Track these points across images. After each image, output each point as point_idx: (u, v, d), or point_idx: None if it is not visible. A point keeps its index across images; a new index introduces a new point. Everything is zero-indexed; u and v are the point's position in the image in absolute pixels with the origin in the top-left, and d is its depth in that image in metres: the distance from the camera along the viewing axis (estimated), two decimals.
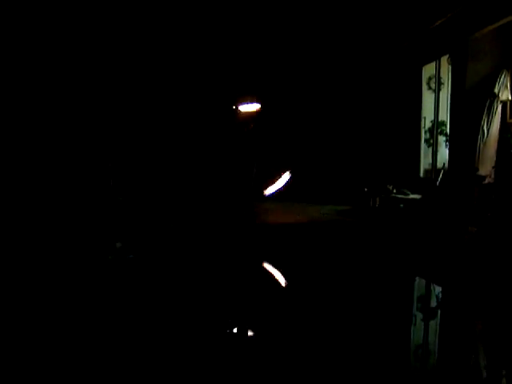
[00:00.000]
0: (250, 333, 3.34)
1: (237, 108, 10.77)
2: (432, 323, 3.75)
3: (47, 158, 9.61)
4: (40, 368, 2.58)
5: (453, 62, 7.97)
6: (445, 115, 8.75)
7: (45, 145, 9.81)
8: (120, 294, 4.21)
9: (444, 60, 8.60)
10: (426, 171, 9.50)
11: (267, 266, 5.60)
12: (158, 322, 3.36)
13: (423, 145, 9.58)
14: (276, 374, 2.58)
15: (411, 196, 8.42)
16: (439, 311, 4.10)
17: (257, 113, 10.41)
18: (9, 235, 6.34)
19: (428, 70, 9.40)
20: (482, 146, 7.21)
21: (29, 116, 9.95)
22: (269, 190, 10.16)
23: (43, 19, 9.90)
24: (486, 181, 7.00)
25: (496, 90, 7.17)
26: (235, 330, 3.38)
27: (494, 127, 7.22)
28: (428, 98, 9.41)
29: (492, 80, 7.22)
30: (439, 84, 8.98)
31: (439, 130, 8.93)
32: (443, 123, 8.84)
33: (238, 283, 4.72)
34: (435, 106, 9.06)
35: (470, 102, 7.45)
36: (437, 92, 9.05)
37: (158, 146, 11.60)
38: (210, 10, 10.68)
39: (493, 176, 7.00)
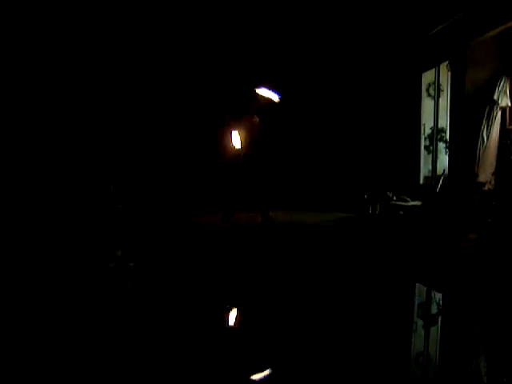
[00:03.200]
0: (246, 340, 3.32)
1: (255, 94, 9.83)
2: (432, 330, 3.73)
3: (47, 164, 9.61)
4: (39, 373, 2.56)
5: (452, 69, 8.00)
6: (444, 122, 8.77)
7: (44, 150, 9.81)
8: (120, 302, 4.20)
9: (443, 66, 8.63)
10: (425, 178, 9.50)
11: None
12: (158, 330, 3.35)
13: (423, 151, 9.58)
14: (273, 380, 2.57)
15: (411, 203, 8.41)
16: (439, 318, 4.08)
17: (271, 104, 9.42)
18: (7, 240, 6.32)
19: (427, 77, 9.43)
20: (481, 152, 7.21)
21: (28, 120, 9.96)
22: None
23: (43, 18, 9.93)
24: (486, 187, 6.99)
25: (495, 97, 7.18)
26: (234, 337, 3.36)
27: (493, 133, 7.23)
28: (427, 105, 9.43)
29: (491, 86, 7.23)
30: (438, 91, 9.00)
31: (439, 137, 8.94)
32: (443, 130, 8.85)
33: (237, 288, 4.71)
34: (435, 112, 9.08)
35: (470, 109, 7.46)
36: (436, 99, 9.07)
37: (157, 151, 11.61)
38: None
39: (493, 182, 6.99)
